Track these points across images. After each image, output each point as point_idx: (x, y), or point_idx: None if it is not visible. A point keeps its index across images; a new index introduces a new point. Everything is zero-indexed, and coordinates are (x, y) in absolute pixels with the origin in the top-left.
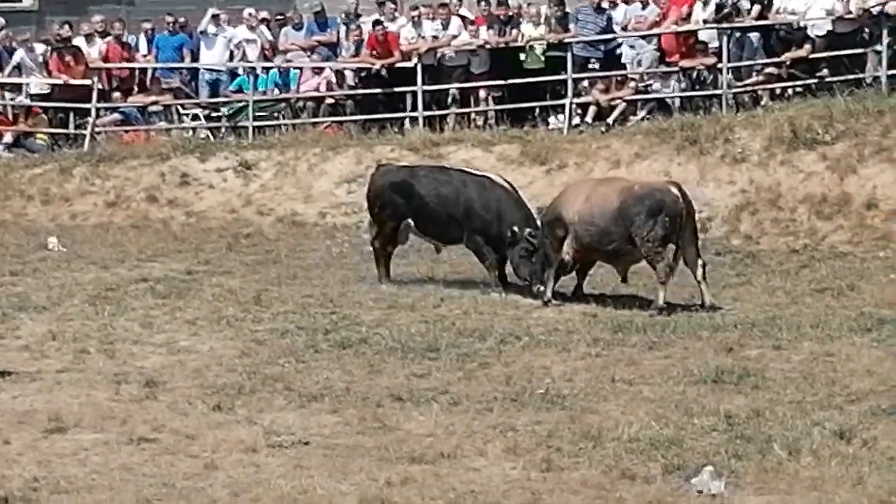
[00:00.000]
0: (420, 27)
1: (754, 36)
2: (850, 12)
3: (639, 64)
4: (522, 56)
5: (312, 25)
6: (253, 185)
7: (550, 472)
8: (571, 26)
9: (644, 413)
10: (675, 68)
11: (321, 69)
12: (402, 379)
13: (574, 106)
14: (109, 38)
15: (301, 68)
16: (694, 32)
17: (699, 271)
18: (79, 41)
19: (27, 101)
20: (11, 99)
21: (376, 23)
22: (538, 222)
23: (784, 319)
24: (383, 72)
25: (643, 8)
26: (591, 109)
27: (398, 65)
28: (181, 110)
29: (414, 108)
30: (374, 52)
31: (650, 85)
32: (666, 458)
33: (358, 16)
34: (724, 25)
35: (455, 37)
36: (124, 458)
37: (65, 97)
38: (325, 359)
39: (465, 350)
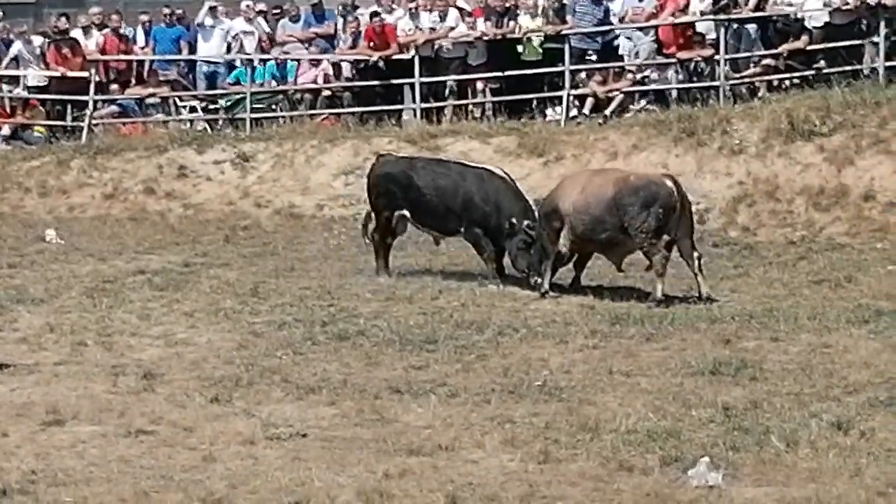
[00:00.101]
0: (417, 19)
1: (751, 27)
2: (848, 3)
3: (636, 56)
4: (520, 48)
5: (310, 17)
6: (250, 177)
7: (548, 463)
8: (569, 18)
9: (642, 405)
10: (673, 60)
11: (319, 61)
12: (399, 371)
13: (571, 98)
14: (107, 31)
15: (298, 60)
16: (691, 24)
17: (695, 263)
18: (76, 33)
19: (25, 94)
20: (9, 91)
21: (374, 14)
22: (536, 214)
23: (782, 311)
24: (381, 64)
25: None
26: (589, 101)
27: (395, 57)
28: (179, 102)
29: (411, 100)
30: (372, 44)
31: (648, 76)
32: (663, 450)
33: (355, 8)
34: (722, 17)
35: (452, 28)
36: (122, 450)
37: (62, 89)
38: (323, 351)
39: (463, 342)
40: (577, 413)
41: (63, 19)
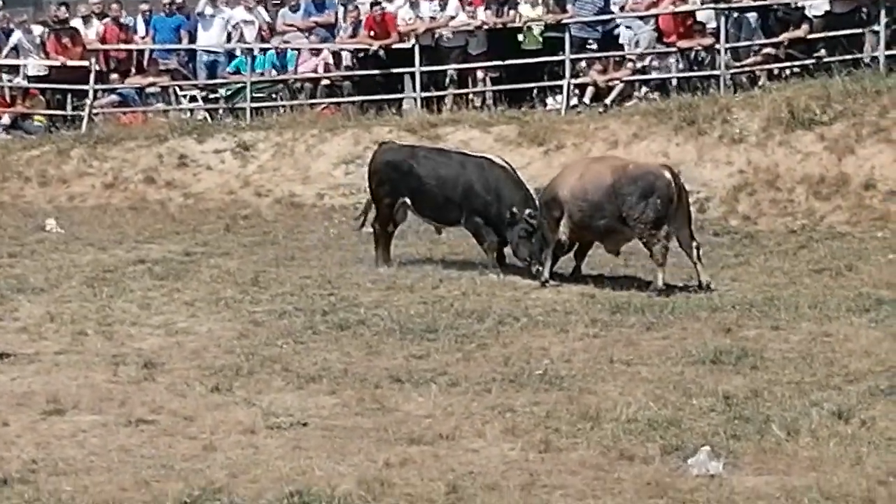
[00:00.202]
0: (417, 8)
1: (752, 16)
2: None
3: (636, 45)
4: (520, 37)
5: (310, 6)
6: (251, 166)
7: (549, 452)
8: (569, 7)
9: (642, 394)
10: (673, 49)
11: (319, 50)
12: (400, 360)
13: (572, 86)
14: (107, 20)
15: (299, 49)
16: (691, 13)
17: (694, 252)
18: (76, 22)
19: (25, 83)
20: (9, 80)
21: (374, 3)
22: (537, 203)
23: (782, 300)
24: (381, 53)
25: None
26: (589, 90)
27: (396, 46)
28: (179, 92)
29: (412, 89)
30: (372, 33)
31: (650, 65)
32: (664, 439)
33: None
34: (722, 6)
35: (453, 17)
36: (122, 439)
37: (62, 79)
38: (324, 340)
39: (464, 331)
40: (578, 402)
41: (63, 8)
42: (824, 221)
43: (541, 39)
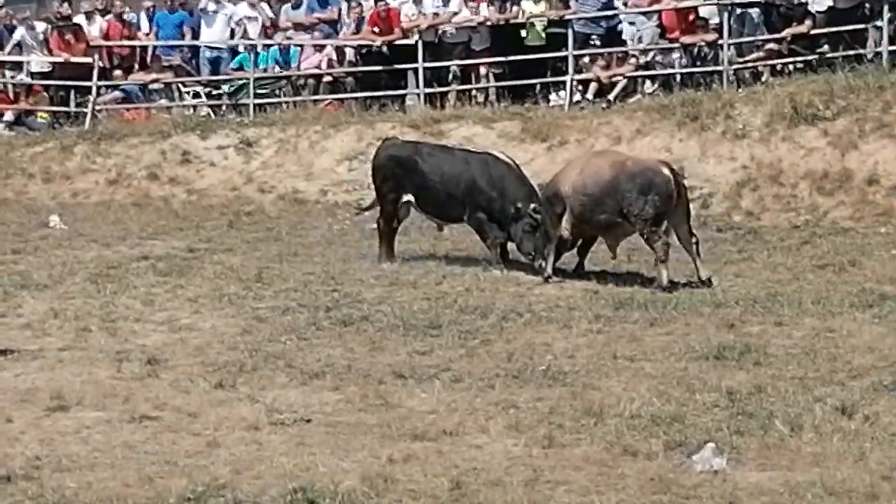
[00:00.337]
0: (421, 4)
1: (755, 12)
2: None
3: (639, 40)
4: (523, 33)
5: (313, 2)
6: (254, 162)
7: (552, 448)
8: (572, 3)
9: (646, 389)
10: (676, 44)
11: (322, 46)
12: (403, 356)
13: (575, 82)
14: (110, 16)
15: (302, 46)
16: (695, 8)
17: (693, 248)
18: (79, 19)
19: (28, 80)
20: (12, 77)
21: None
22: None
23: (785, 295)
24: (384, 49)
25: None
26: (592, 86)
27: (399, 42)
28: (182, 88)
29: (415, 85)
30: (377, 29)
31: (656, 61)
32: (668, 435)
33: None
34: (725, 1)
35: (456, 13)
36: (126, 436)
37: (66, 75)
38: (327, 336)
39: (467, 327)
40: (581, 398)
41: (66, 5)
42: (827, 217)
43: (544, 35)
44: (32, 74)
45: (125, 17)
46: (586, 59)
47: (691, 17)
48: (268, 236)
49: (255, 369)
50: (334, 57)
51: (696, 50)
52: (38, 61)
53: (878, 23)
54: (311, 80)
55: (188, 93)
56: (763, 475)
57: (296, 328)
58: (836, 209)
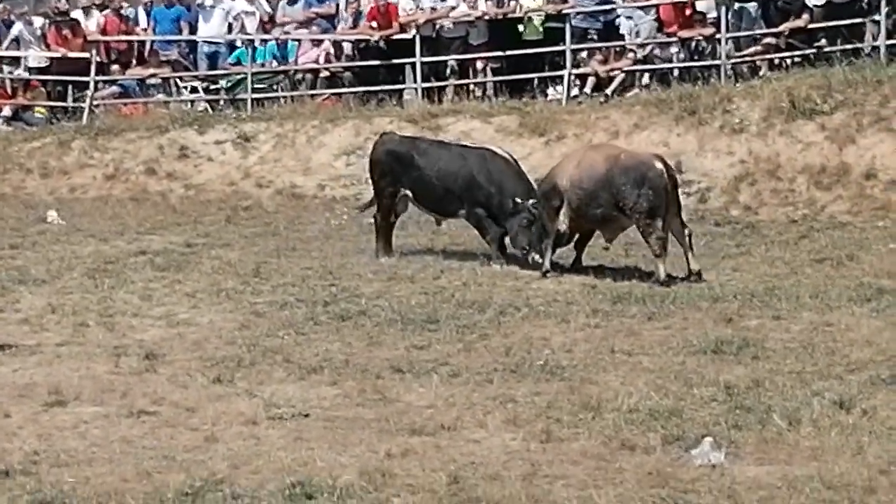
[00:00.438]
0: None
1: (752, 6)
2: None
3: (637, 35)
4: (521, 27)
5: None
6: (252, 157)
7: (550, 442)
8: None
9: (644, 384)
10: (674, 39)
11: (320, 41)
12: (401, 351)
13: (573, 77)
14: (107, 11)
15: (299, 40)
16: (692, 2)
17: (685, 240)
18: (77, 14)
19: (25, 75)
20: (10, 72)
21: None
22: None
23: (783, 290)
24: (382, 44)
25: None
26: (590, 80)
27: (396, 36)
28: (180, 83)
29: (413, 80)
30: (375, 24)
31: (650, 55)
32: (666, 429)
33: None
34: None
35: (453, 8)
36: (124, 430)
37: (63, 70)
38: (325, 331)
39: (465, 321)
40: (579, 392)
41: (63, 0)
42: (825, 211)
43: (541, 30)
44: (30, 69)
45: (122, 12)
46: (584, 54)
47: (689, 12)
48: (265, 231)
49: (253, 364)
50: (332, 51)
51: (693, 44)
52: (35, 56)
53: (876, 17)
54: (308, 75)
55: (186, 88)
56: (761, 469)
57: (294, 323)
58: (834, 203)
